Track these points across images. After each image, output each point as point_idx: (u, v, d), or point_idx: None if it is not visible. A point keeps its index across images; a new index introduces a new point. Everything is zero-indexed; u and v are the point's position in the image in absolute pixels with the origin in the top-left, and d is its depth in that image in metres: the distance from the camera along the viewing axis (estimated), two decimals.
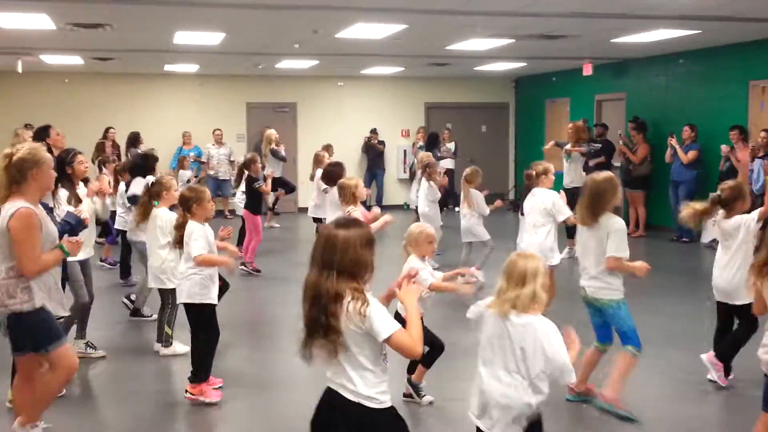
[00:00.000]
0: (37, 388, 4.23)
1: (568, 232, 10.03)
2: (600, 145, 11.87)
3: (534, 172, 7.01)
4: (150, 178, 7.73)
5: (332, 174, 8.44)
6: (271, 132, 13.31)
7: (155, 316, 7.64)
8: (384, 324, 2.82)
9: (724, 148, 11.06)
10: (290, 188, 13.64)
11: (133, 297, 7.73)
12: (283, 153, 13.25)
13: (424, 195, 9.85)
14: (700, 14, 8.88)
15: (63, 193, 5.61)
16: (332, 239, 2.87)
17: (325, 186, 9.65)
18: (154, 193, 6.24)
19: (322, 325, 2.85)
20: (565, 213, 6.84)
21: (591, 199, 4.81)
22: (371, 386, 2.88)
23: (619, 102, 14.23)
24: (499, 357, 3.33)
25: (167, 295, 6.14)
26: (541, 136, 16.74)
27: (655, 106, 13.21)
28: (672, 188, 11.87)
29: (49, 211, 4.58)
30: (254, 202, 9.82)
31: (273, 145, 13.05)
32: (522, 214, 7.80)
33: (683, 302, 7.74)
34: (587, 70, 13.93)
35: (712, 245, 11.34)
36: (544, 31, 10.21)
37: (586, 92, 15.04)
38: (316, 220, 10.27)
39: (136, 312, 7.66)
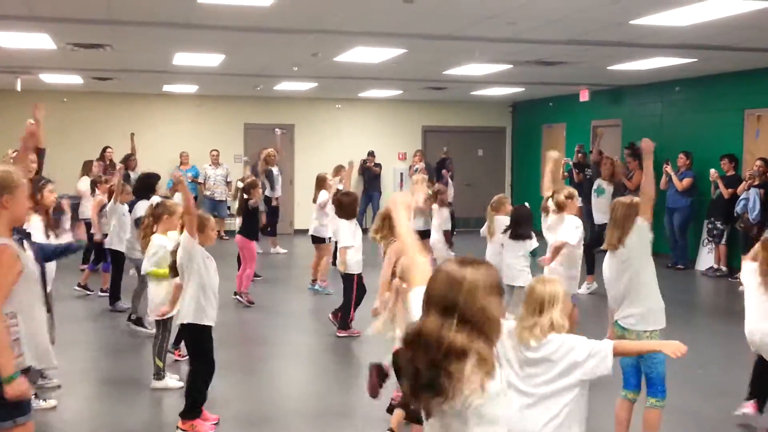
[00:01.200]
0: None
1: (588, 266, 9.96)
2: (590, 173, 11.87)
3: (563, 197, 6.72)
4: (156, 198, 7.73)
5: (342, 203, 8.34)
6: (270, 150, 13.15)
7: (153, 330, 7.64)
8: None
9: (712, 172, 11.12)
10: (273, 221, 13.37)
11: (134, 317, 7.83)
12: (275, 172, 13.06)
13: (436, 223, 9.79)
14: (697, 43, 8.96)
15: (35, 220, 5.32)
16: (456, 279, 2.28)
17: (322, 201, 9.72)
18: (156, 215, 6.14)
19: (431, 385, 2.23)
20: (567, 237, 6.60)
21: (616, 221, 4.55)
22: None
23: (615, 128, 14.30)
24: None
25: (159, 326, 6.07)
26: (538, 161, 16.79)
27: (650, 133, 13.18)
28: (667, 215, 11.90)
29: (26, 236, 3.95)
30: (251, 227, 9.37)
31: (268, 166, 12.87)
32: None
33: (680, 331, 7.69)
34: (584, 97, 14.03)
35: (708, 273, 11.41)
36: (541, 58, 10.28)
37: (582, 118, 15.12)
38: (317, 239, 10.20)
39: (138, 321, 7.71)
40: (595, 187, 11.49)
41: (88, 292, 9.50)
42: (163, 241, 5.95)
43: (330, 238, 10.04)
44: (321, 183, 10.24)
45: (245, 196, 9.31)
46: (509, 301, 7.75)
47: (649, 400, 4.48)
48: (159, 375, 6.01)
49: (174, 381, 6.00)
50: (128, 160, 13.14)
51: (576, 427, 3.28)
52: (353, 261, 7.72)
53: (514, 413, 3.22)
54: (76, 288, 9.54)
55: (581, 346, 3.25)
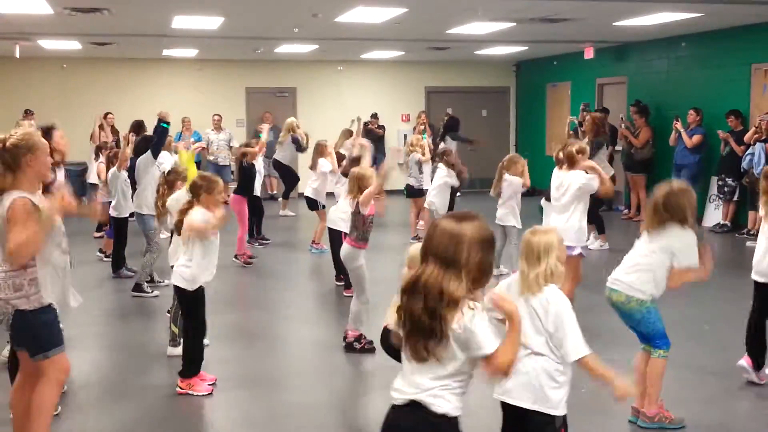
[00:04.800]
0: (33, 406, 3.90)
1: (598, 227, 9.95)
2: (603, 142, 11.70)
3: (574, 150, 6.48)
4: (165, 166, 7.73)
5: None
6: (293, 120, 13.11)
7: (156, 293, 7.71)
8: (487, 338, 2.56)
9: (720, 133, 11.05)
10: (292, 182, 13.55)
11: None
12: (303, 142, 12.70)
13: (438, 183, 9.71)
14: None
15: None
16: (457, 235, 2.55)
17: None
18: (169, 183, 6.14)
19: (426, 329, 2.54)
20: (595, 184, 6.37)
21: (659, 205, 4.44)
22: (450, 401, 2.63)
23: (620, 86, 14.16)
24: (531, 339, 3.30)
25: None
26: (542, 120, 16.69)
27: (656, 90, 13.14)
28: (675, 172, 11.80)
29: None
30: (244, 183, 9.47)
31: (300, 131, 12.87)
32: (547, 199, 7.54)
33: (686, 287, 7.64)
34: (588, 54, 13.87)
35: (715, 229, 11.37)
36: (545, 15, 10.13)
37: (587, 76, 14.96)
38: (311, 202, 10.07)
39: (137, 287, 7.72)
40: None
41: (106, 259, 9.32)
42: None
43: (324, 205, 9.94)
44: (321, 150, 10.08)
45: (241, 160, 9.54)
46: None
47: (656, 351, 4.52)
48: (175, 341, 5.98)
49: None
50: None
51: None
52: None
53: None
54: (99, 254, 9.63)
55: (566, 322, 3.25)
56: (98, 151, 10.04)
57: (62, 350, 3.94)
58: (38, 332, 3.85)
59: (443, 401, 2.60)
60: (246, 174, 9.50)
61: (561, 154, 6.61)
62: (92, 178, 10.49)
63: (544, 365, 3.27)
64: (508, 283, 3.45)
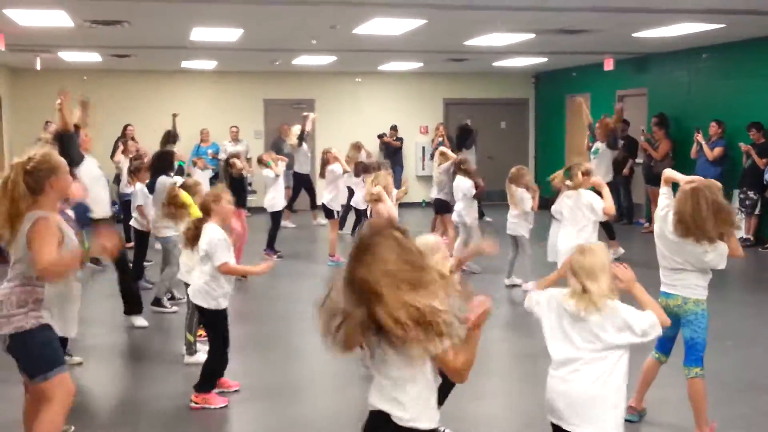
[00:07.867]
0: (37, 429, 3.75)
1: (608, 232, 9.88)
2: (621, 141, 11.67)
3: (579, 173, 6.78)
4: (177, 179, 7.75)
5: (367, 168, 8.50)
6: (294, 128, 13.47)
7: (175, 308, 7.68)
8: None
9: (742, 146, 10.91)
10: (310, 194, 13.68)
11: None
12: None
13: (461, 193, 9.66)
14: (724, 8, 8.72)
15: None
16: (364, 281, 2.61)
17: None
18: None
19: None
20: (599, 206, 6.72)
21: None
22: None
23: (640, 97, 14.04)
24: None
25: (190, 301, 5.98)
26: (562, 132, 16.58)
27: (677, 102, 13.01)
28: None
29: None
30: (235, 197, 9.50)
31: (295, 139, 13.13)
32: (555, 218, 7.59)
33: (709, 302, 7.52)
34: (608, 65, 13.77)
35: None
36: (564, 26, 10.07)
37: (607, 88, 14.85)
38: (327, 210, 10.30)
39: (157, 302, 7.68)
40: (593, 149, 11.28)
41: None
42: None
43: (338, 212, 10.23)
44: (327, 159, 10.56)
45: (229, 168, 9.62)
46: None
47: (692, 370, 4.40)
48: (190, 350, 5.98)
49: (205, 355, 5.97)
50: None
51: (618, 388, 3.29)
52: None
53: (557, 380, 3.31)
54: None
55: (631, 313, 3.29)
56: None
57: (64, 370, 3.79)
58: (37, 352, 3.71)
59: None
60: (235, 186, 9.42)
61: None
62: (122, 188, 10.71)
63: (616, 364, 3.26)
64: (549, 296, 3.42)
